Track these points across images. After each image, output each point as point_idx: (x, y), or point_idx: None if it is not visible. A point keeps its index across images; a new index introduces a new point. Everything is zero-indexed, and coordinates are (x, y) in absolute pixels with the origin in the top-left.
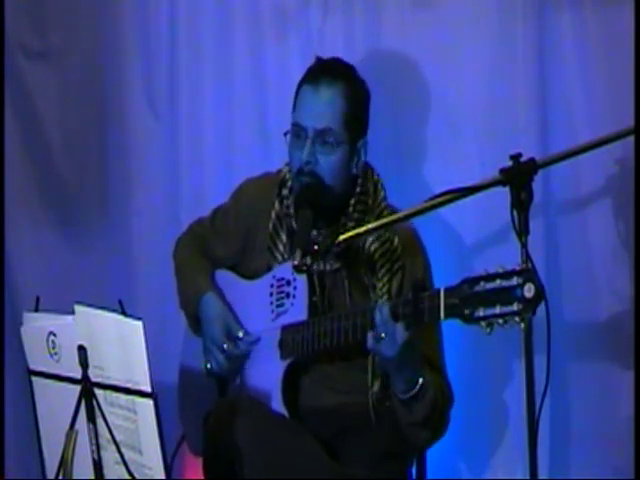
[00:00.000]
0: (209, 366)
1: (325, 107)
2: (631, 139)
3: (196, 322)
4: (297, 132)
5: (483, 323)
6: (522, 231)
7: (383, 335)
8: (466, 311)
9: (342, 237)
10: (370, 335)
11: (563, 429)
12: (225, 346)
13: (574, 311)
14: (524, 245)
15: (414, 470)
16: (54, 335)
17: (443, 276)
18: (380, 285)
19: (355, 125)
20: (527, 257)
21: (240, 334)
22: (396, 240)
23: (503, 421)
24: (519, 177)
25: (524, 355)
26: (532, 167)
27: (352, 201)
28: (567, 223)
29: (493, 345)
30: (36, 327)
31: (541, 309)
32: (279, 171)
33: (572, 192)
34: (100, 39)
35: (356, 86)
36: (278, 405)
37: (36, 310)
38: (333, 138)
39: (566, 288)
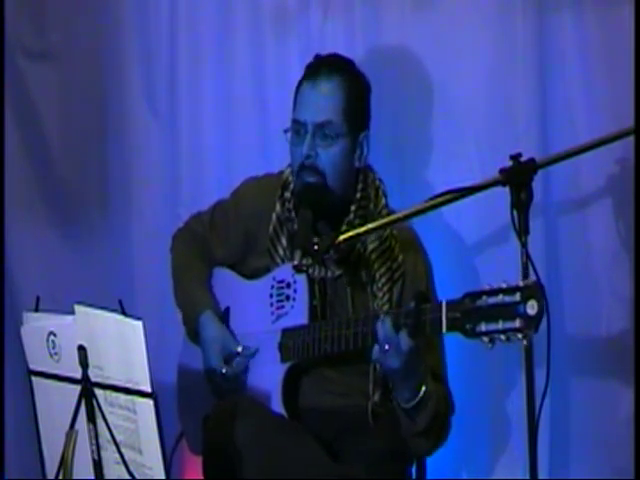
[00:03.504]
0: (211, 388)
1: (324, 100)
2: (631, 139)
3: (194, 333)
4: (297, 129)
5: (485, 338)
6: (522, 231)
7: (387, 347)
8: (468, 325)
9: (342, 237)
10: (375, 347)
11: (563, 430)
12: (224, 370)
13: (574, 311)
14: (524, 245)
15: (414, 470)
16: (54, 335)
17: (444, 277)
18: (380, 294)
19: (355, 117)
20: (527, 257)
21: (239, 349)
22: (397, 247)
23: (504, 421)
24: (519, 177)
25: (525, 360)
26: (532, 167)
27: (353, 207)
28: (567, 223)
29: (496, 347)
30: (36, 327)
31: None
32: (281, 172)
33: (572, 192)
34: (100, 39)
35: (355, 79)
36: (278, 407)
37: (36, 310)
38: (333, 130)
39: (566, 288)
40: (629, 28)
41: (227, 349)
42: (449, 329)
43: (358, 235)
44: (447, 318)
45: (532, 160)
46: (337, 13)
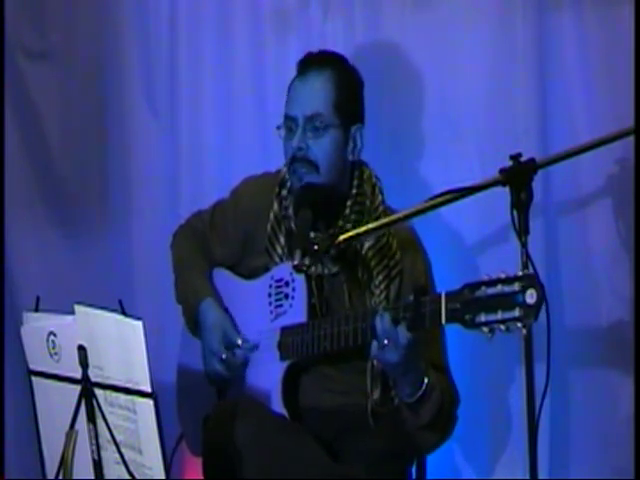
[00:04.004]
0: (209, 374)
1: (313, 93)
2: (631, 139)
3: (194, 324)
4: (289, 125)
5: (485, 328)
6: (522, 231)
7: (386, 342)
8: (467, 316)
9: (342, 237)
10: (373, 343)
11: (563, 429)
12: (224, 356)
13: (574, 311)
14: (524, 245)
15: (414, 470)
16: (54, 335)
17: (443, 276)
18: (378, 292)
19: (346, 109)
20: (527, 257)
21: (239, 341)
22: (394, 244)
23: (504, 421)
24: (519, 177)
25: (524, 356)
26: (532, 167)
27: (349, 202)
28: (567, 223)
29: (494, 344)
30: (36, 327)
31: (541, 309)
32: (279, 171)
33: (572, 192)
34: (100, 39)
35: (345, 72)
36: (278, 406)
37: (36, 310)
38: (323, 122)
39: (566, 288)
40: (629, 28)
41: (228, 337)
42: (449, 320)
43: (358, 235)
44: (446, 309)
45: (532, 160)
46: (337, 13)
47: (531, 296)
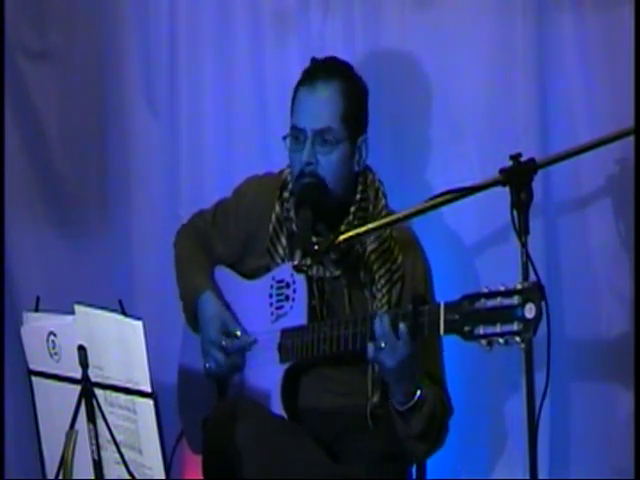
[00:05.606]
0: (208, 366)
1: (322, 106)
2: (631, 139)
3: (194, 320)
4: (296, 135)
5: (483, 341)
6: (522, 231)
7: (383, 345)
8: (466, 328)
9: (342, 237)
10: (370, 345)
11: (563, 430)
12: (223, 343)
13: (574, 311)
14: (524, 245)
15: (414, 470)
16: (54, 335)
17: (443, 277)
18: (380, 296)
19: (354, 122)
20: (527, 257)
21: (238, 332)
22: (396, 249)
23: (503, 422)
24: (519, 177)
25: (525, 358)
26: (532, 167)
27: (352, 209)
28: (567, 223)
29: (495, 347)
30: (36, 327)
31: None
32: (281, 172)
33: (572, 192)
34: (100, 39)
35: (353, 83)
36: (278, 408)
37: (36, 310)
38: (332, 136)
39: (566, 288)
40: (629, 28)
41: (227, 326)
42: (447, 331)
43: (358, 235)
44: (445, 320)
45: (532, 160)
46: (337, 13)
47: (530, 310)
